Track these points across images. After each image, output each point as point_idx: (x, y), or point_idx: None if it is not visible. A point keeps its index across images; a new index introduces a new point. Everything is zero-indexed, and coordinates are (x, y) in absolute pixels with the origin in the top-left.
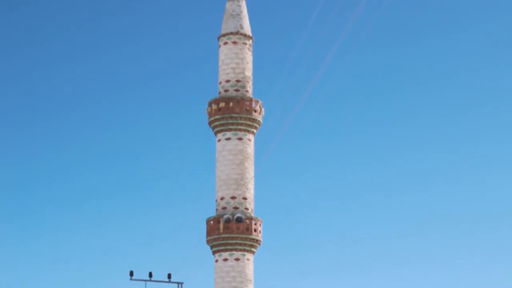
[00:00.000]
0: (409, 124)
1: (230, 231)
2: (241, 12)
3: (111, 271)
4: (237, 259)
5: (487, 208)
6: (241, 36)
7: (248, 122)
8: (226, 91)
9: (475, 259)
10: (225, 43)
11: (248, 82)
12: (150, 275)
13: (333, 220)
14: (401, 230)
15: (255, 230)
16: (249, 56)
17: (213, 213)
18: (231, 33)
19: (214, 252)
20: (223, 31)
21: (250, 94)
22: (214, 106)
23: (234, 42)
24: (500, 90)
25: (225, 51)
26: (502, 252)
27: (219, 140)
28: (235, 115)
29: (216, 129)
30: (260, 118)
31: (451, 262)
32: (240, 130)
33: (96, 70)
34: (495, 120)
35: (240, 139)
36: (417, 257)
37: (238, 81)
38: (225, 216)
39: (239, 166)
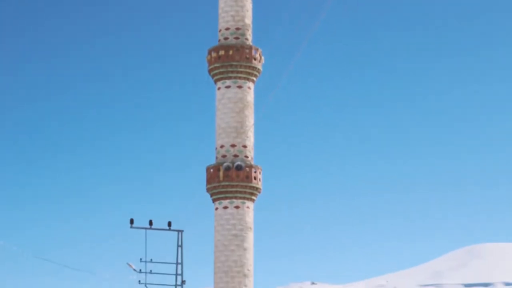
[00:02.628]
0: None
1: (230, 179)
2: None
3: (112, 219)
4: (237, 207)
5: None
6: None
7: (248, 70)
8: (225, 39)
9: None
10: None
11: (247, 30)
12: (150, 223)
13: (331, 167)
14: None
15: (255, 178)
16: (248, 4)
17: (213, 161)
18: None
19: (214, 200)
20: None
21: (249, 42)
22: (213, 54)
23: None
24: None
25: None
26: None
27: (218, 88)
28: (234, 63)
29: (215, 77)
30: (260, 66)
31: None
32: (240, 78)
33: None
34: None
35: (240, 87)
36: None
37: (237, 29)
38: (225, 164)
39: (239, 114)
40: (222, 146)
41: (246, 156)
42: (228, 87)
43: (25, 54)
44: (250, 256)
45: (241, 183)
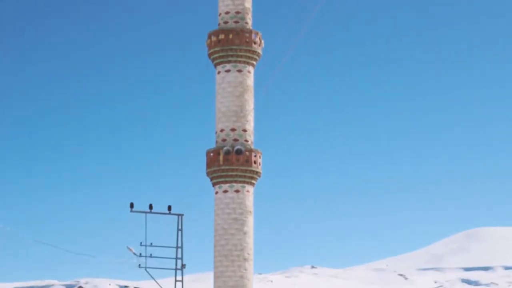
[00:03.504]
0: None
1: (230, 163)
2: None
3: (112, 203)
4: (237, 191)
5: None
6: None
7: (248, 54)
8: (225, 22)
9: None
10: None
11: (247, 14)
12: (150, 207)
13: (332, 151)
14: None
15: (254, 162)
16: None
17: (213, 145)
18: None
19: (214, 184)
20: None
21: (249, 25)
22: (213, 38)
23: None
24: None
25: None
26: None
27: (218, 72)
28: (234, 47)
29: (215, 61)
30: (259, 50)
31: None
32: (239, 62)
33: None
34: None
35: (239, 71)
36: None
37: (237, 12)
38: (225, 148)
39: (239, 98)
40: (222, 130)
41: (246, 140)
42: (228, 71)
43: (25, 52)
44: (250, 240)
45: (241, 167)
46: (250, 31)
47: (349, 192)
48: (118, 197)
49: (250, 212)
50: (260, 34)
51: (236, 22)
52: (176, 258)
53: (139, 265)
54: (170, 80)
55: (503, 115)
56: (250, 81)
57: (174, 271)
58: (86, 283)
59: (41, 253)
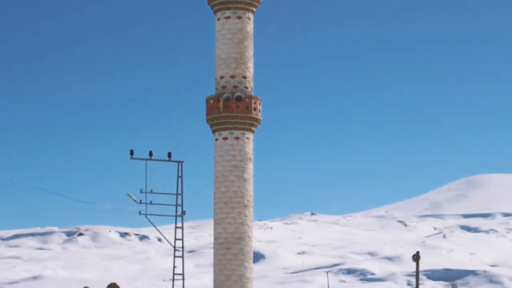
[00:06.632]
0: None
1: (230, 110)
2: None
3: (112, 151)
4: (237, 138)
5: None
6: None
7: (247, 1)
8: None
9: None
10: None
11: None
12: (150, 154)
13: (331, 97)
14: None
15: (254, 109)
16: None
17: (212, 92)
18: None
19: (214, 131)
20: None
21: None
22: None
23: None
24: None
25: None
26: None
27: (218, 19)
28: None
29: (215, 8)
30: None
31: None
32: (239, 8)
33: None
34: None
35: (239, 17)
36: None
37: None
38: (225, 95)
39: (239, 45)
40: (222, 77)
41: (246, 87)
42: (227, 17)
43: None
44: (250, 187)
45: (241, 114)
46: None
47: (349, 139)
48: (118, 144)
49: (250, 159)
50: None
51: None
52: (176, 205)
53: (140, 212)
54: (170, 27)
55: (506, 64)
56: (250, 28)
57: (174, 217)
58: (87, 230)
59: (41, 200)
